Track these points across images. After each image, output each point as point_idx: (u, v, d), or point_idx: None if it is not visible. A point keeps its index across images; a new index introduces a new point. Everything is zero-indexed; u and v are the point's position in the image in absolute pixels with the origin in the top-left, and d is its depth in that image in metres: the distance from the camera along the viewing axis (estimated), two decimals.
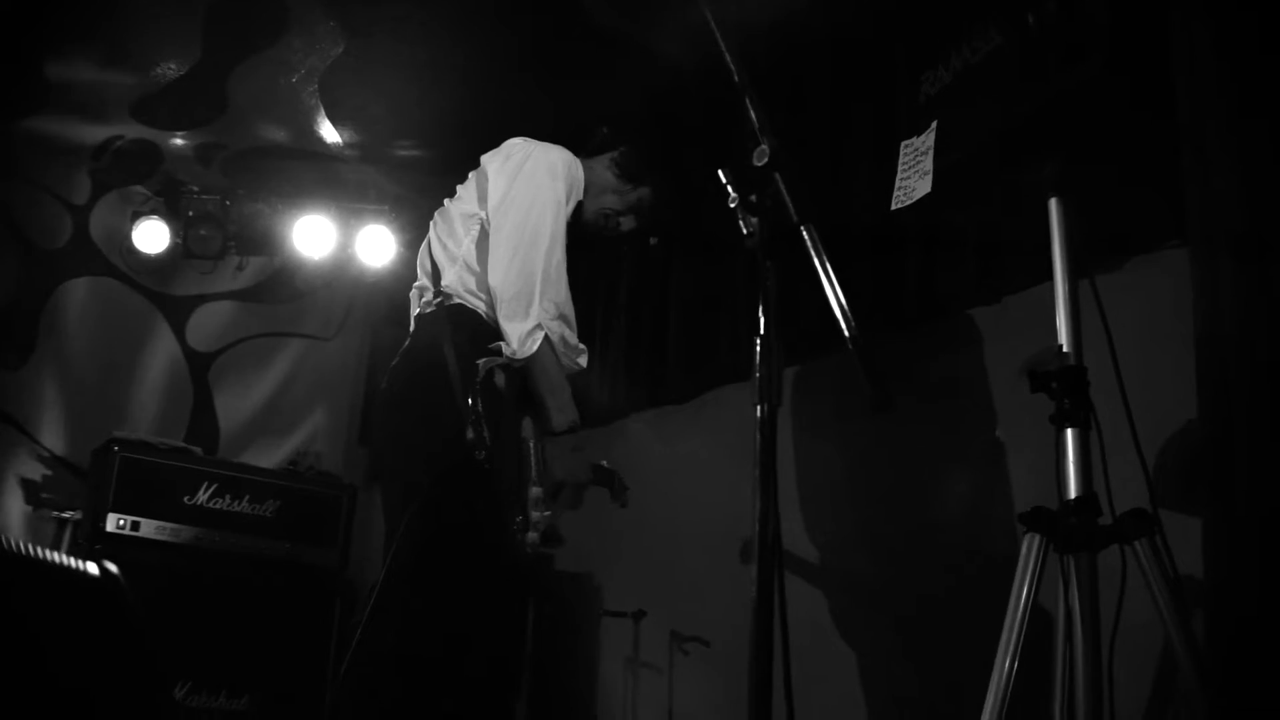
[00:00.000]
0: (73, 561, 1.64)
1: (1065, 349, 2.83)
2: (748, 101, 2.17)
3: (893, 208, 3.26)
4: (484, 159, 3.90)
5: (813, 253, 2.02)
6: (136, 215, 7.74)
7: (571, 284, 3.54)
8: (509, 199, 3.67)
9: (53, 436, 7.47)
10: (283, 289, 8.28)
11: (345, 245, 7.71)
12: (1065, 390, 2.75)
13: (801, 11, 5.14)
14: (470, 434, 3.33)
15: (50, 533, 7.08)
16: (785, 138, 2.16)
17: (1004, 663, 2.61)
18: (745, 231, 2.10)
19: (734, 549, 4.97)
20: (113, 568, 1.67)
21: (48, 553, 1.61)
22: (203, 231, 7.71)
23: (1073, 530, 2.67)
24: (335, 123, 6.79)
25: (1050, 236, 2.93)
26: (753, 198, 2.10)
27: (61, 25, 6.10)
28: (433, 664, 3.42)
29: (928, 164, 3.17)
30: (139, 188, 7.98)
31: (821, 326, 4.34)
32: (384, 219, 7.74)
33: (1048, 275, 2.95)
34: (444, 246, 3.82)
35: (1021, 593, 2.68)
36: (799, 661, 2.05)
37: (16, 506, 7.20)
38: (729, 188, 2.13)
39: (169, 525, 6.09)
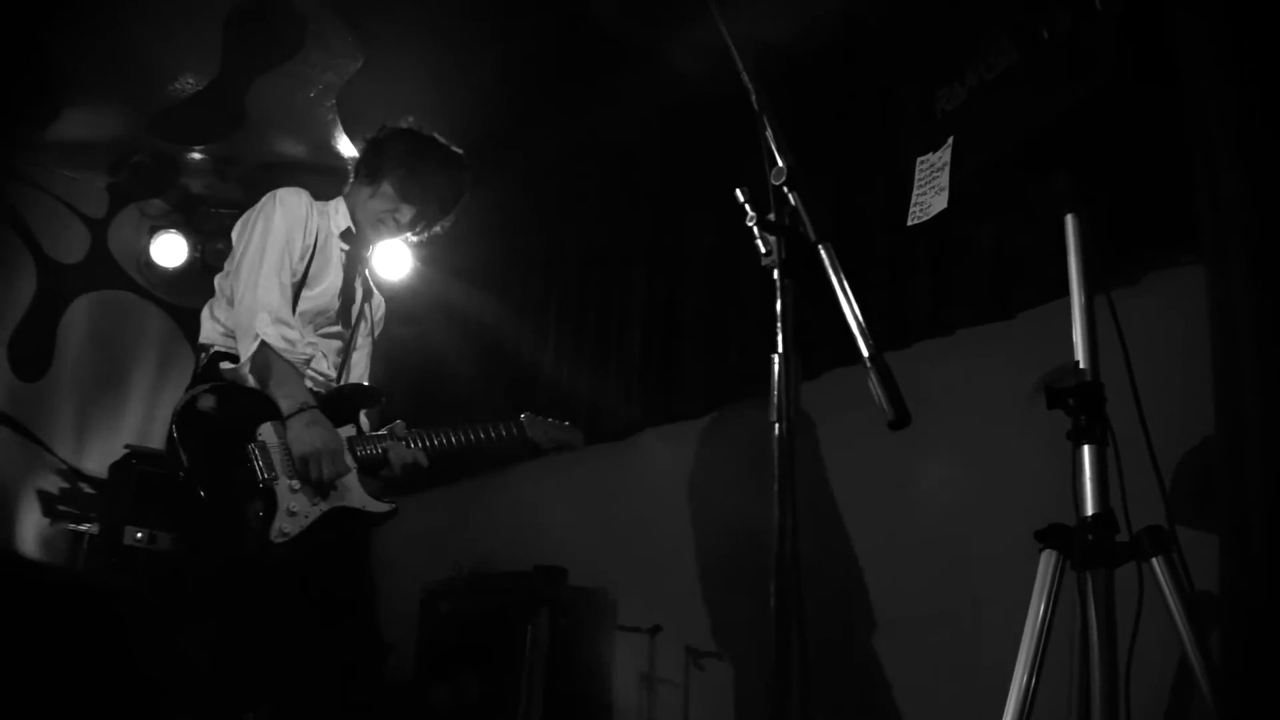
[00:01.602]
0: (91, 575, 1.66)
1: (1082, 365, 2.82)
2: (765, 120, 2.17)
3: (909, 223, 3.25)
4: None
5: (830, 271, 2.02)
6: (154, 229, 7.79)
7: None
8: (235, 247, 4.19)
9: (69, 449, 7.51)
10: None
11: None
12: (1082, 407, 2.73)
13: (808, 23, 5.17)
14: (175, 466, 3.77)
15: (66, 545, 7.10)
16: (799, 153, 2.16)
17: (1022, 680, 2.61)
18: (763, 250, 2.11)
19: (751, 563, 4.96)
20: (130, 584, 1.69)
21: (68, 567, 1.63)
22: (220, 245, 7.74)
23: (1090, 547, 2.65)
24: (352, 137, 6.81)
25: (1067, 252, 2.92)
26: (770, 216, 2.10)
27: (78, 39, 6.13)
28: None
29: (944, 180, 3.17)
30: (157, 201, 8.03)
31: (836, 340, 4.37)
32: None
33: (1063, 290, 2.94)
34: (208, 309, 4.24)
35: (1039, 610, 2.67)
36: (817, 677, 2.05)
37: (33, 519, 7.22)
38: (746, 206, 2.14)
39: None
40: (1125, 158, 3.11)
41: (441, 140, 4.50)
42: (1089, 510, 2.69)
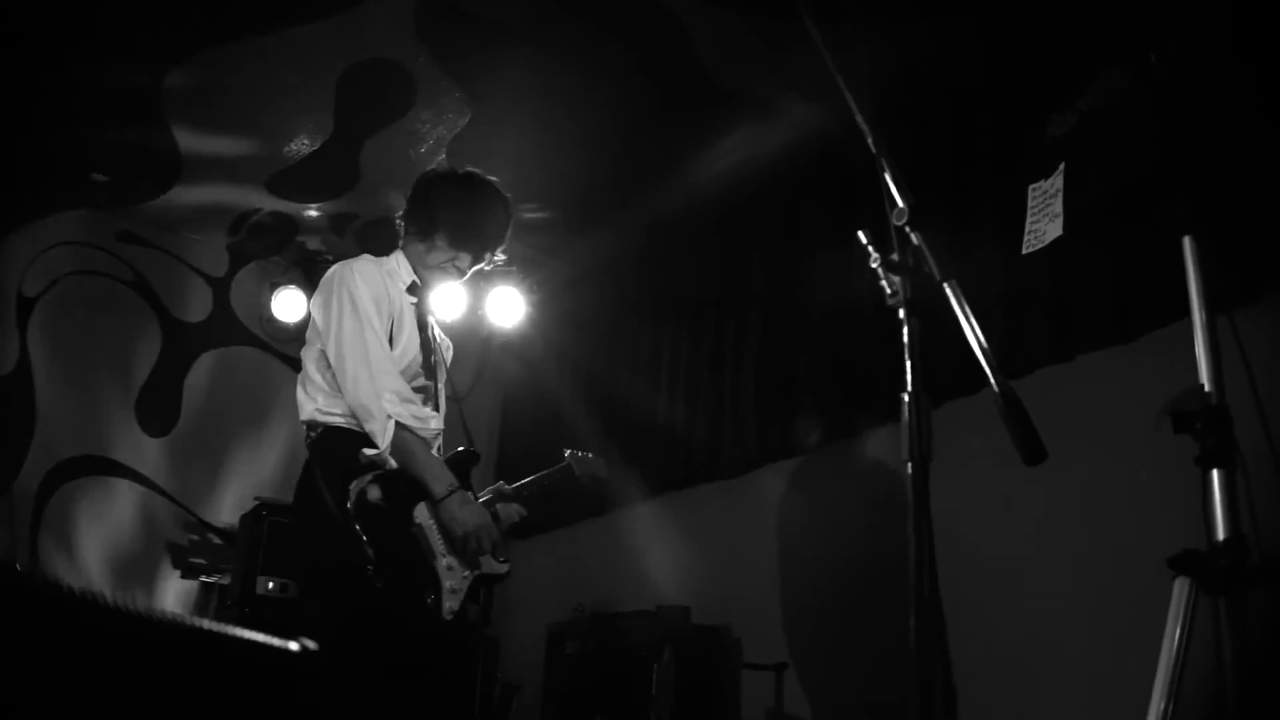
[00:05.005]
0: (273, 640, 1.68)
1: (1206, 388, 2.80)
2: (883, 162, 2.19)
3: (1024, 251, 3.26)
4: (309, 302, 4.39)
5: (957, 309, 2.04)
6: (275, 285, 7.93)
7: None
8: (327, 327, 4.17)
9: (197, 502, 7.66)
10: None
11: (475, 307, 7.79)
12: (1209, 430, 2.72)
13: (919, 59, 5.20)
14: (359, 558, 3.82)
15: (195, 597, 7.25)
16: (913, 185, 2.18)
17: (1160, 707, 2.60)
18: (888, 291, 2.13)
19: (874, 597, 4.95)
20: (312, 645, 1.71)
21: (245, 631, 1.66)
22: None
23: (1223, 573, 2.64)
24: None
25: (1186, 275, 2.91)
26: (894, 257, 2.12)
27: (196, 106, 6.31)
28: None
29: (1057, 206, 3.17)
30: (276, 258, 8.21)
31: (956, 369, 4.35)
32: (513, 280, 7.84)
33: (1183, 312, 2.93)
34: (303, 389, 4.27)
35: (1174, 638, 2.65)
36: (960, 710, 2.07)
37: (163, 571, 7.38)
38: (870, 248, 2.16)
39: None
40: (1243, 178, 3.09)
41: (479, 175, 4.55)
42: (1220, 535, 2.67)
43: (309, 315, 4.30)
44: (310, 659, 1.69)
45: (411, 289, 4.42)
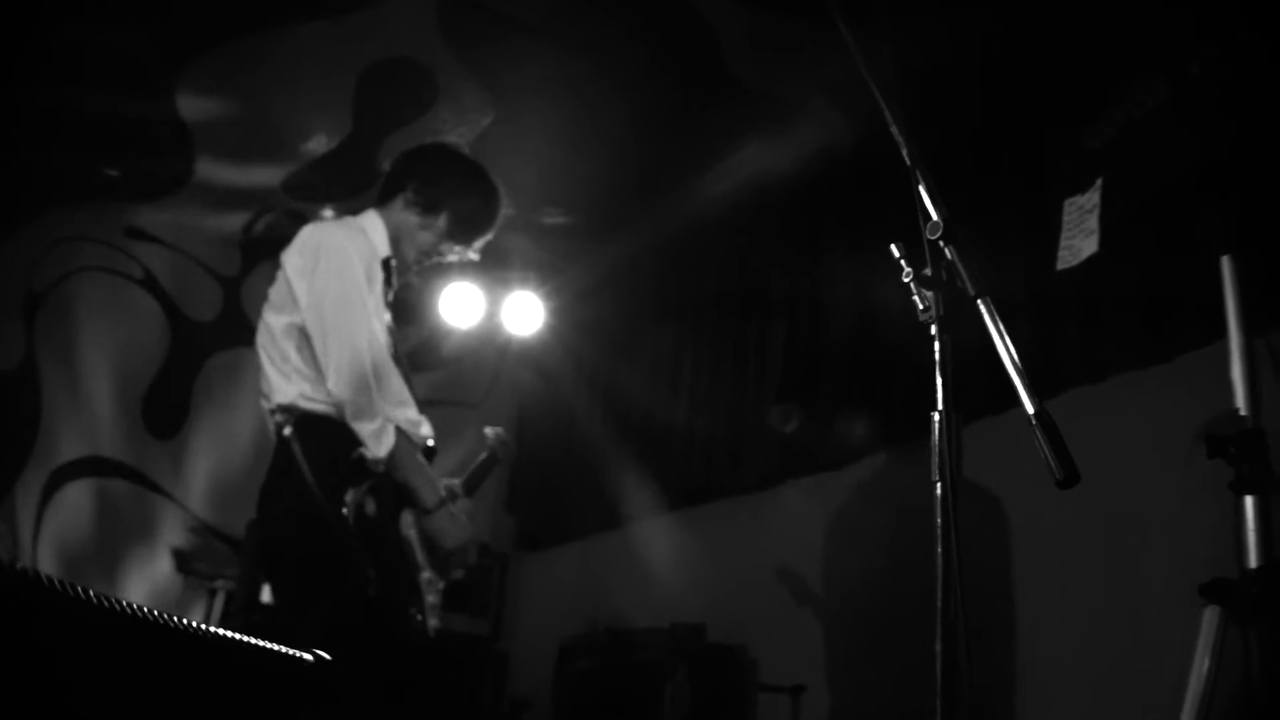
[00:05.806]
0: (286, 650, 1.65)
1: (1242, 412, 2.74)
2: (918, 174, 2.11)
3: (1058, 268, 3.20)
4: (282, 258, 4.00)
5: (991, 326, 1.96)
6: None
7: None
8: (314, 301, 3.83)
9: (204, 506, 7.60)
10: (430, 357, 8.35)
11: (492, 313, 7.67)
12: (1244, 455, 2.66)
13: (946, 63, 5.12)
14: (360, 574, 3.65)
15: (199, 602, 7.19)
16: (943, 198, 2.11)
17: None
18: (921, 307, 2.05)
19: (897, 620, 4.86)
20: (326, 656, 1.68)
21: (260, 642, 1.63)
22: None
23: (1254, 601, 2.58)
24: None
25: (1223, 295, 2.84)
26: (927, 271, 2.04)
27: (212, 102, 6.27)
28: None
29: (1093, 222, 3.11)
30: None
31: (985, 388, 4.27)
32: (530, 285, 7.75)
33: (1219, 334, 2.86)
34: (275, 365, 3.93)
35: (1203, 666, 2.61)
36: None
37: (166, 575, 7.32)
38: (902, 262, 2.08)
39: None
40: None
41: (483, 169, 4.43)
42: (1253, 563, 2.61)
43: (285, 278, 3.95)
44: (324, 670, 1.66)
45: (384, 263, 4.09)
